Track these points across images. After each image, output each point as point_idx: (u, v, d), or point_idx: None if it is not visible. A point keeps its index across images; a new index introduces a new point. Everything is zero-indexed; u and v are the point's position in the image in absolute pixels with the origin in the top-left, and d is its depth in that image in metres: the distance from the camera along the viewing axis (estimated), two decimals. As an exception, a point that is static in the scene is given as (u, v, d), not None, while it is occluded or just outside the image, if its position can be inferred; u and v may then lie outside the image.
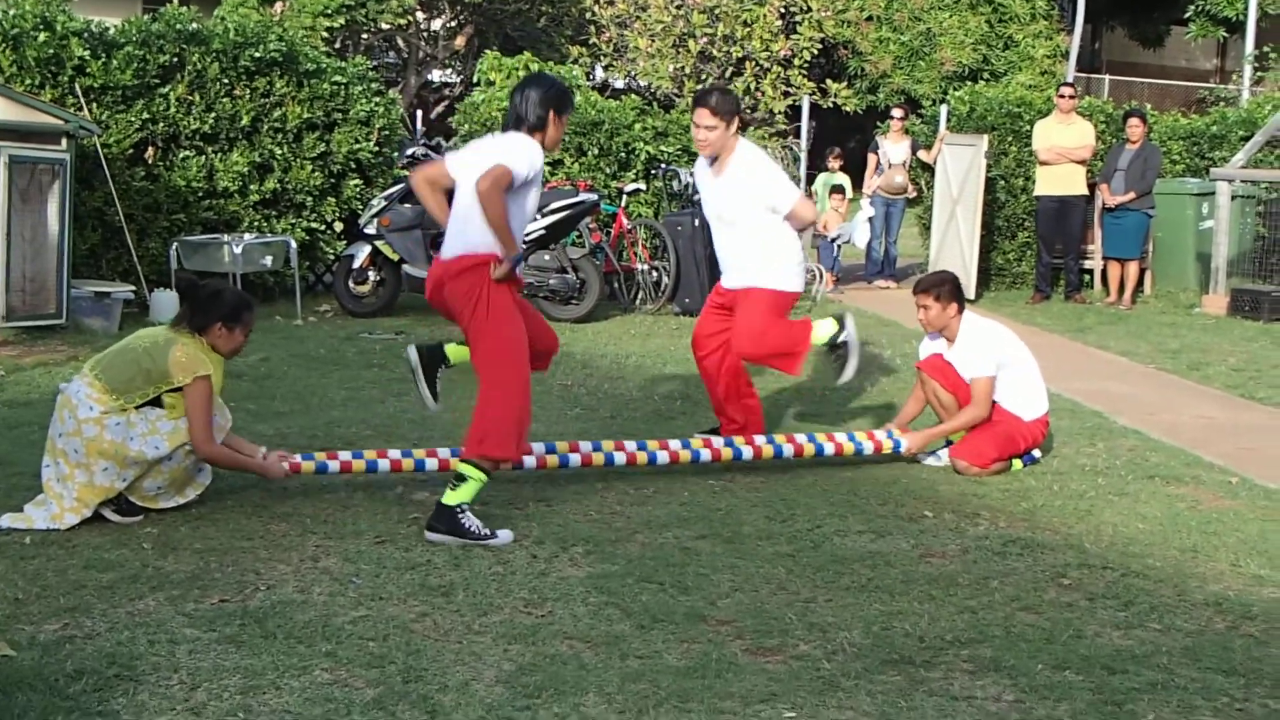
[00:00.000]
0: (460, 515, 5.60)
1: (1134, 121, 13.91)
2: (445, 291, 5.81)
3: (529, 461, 6.36)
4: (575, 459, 6.49)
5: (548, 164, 13.38)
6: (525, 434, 5.86)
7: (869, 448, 6.91)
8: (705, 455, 6.67)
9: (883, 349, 10.58)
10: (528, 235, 11.59)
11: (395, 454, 6.35)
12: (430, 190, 5.98)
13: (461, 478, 5.65)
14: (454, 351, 6.34)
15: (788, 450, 6.81)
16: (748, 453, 6.74)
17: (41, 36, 10.81)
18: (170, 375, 5.65)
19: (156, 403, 5.69)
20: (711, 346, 7.22)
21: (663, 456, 6.62)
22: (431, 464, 6.29)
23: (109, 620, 4.60)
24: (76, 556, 5.24)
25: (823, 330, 7.08)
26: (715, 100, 6.90)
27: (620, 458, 6.54)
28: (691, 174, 13.18)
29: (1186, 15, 27.79)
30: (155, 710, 3.94)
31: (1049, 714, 4.10)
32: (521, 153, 5.76)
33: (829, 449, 6.85)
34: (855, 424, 7.77)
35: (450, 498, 5.62)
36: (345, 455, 6.28)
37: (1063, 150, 13.75)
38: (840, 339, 7.08)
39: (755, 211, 6.95)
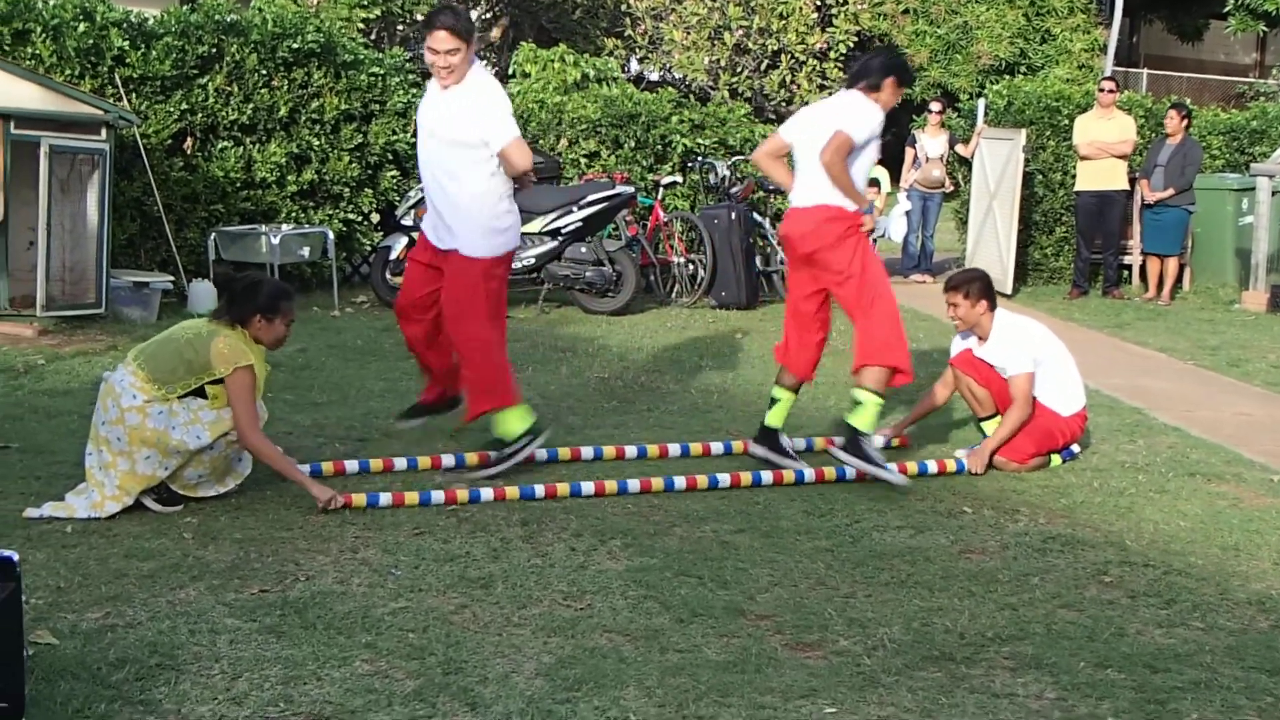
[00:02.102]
0: (865, 442, 6.38)
1: (1170, 114, 13.82)
2: (808, 234, 6.52)
3: (587, 488, 6.22)
4: (633, 484, 6.28)
5: (584, 156, 13.42)
6: (906, 356, 6.56)
7: (933, 469, 6.80)
8: (767, 478, 6.50)
9: (920, 343, 10.55)
10: (564, 228, 11.62)
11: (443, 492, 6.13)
12: (773, 162, 6.80)
13: (859, 403, 6.43)
14: (774, 418, 6.88)
15: (850, 474, 6.58)
16: (810, 475, 6.57)
17: (81, 27, 10.85)
18: (212, 366, 5.67)
19: (199, 393, 5.71)
20: (425, 318, 6.70)
21: (724, 479, 6.42)
22: (486, 494, 6.09)
23: (150, 609, 4.62)
24: (117, 545, 5.27)
25: (514, 421, 6.49)
26: (455, 21, 6.23)
27: (680, 482, 6.34)
28: (729, 166, 13.21)
29: (1226, 9, 27.60)
30: (197, 700, 3.95)
31: (1091, 712, 4.08)
32: (860, 118, 6.48)
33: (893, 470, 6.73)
34: (888, 418, 7.70)
35: (856, 420, 6.43)
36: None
37: (1103, 145, 13.67)
38: (514, 448, 6.45)
39: (473, 145, 6.30)
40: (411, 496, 5.99)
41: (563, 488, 6.19)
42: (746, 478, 6.46)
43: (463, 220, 6.44)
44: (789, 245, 6.72)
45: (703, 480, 6.39)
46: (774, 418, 6.86)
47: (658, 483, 6.32)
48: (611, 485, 6.25)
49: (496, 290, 6.56)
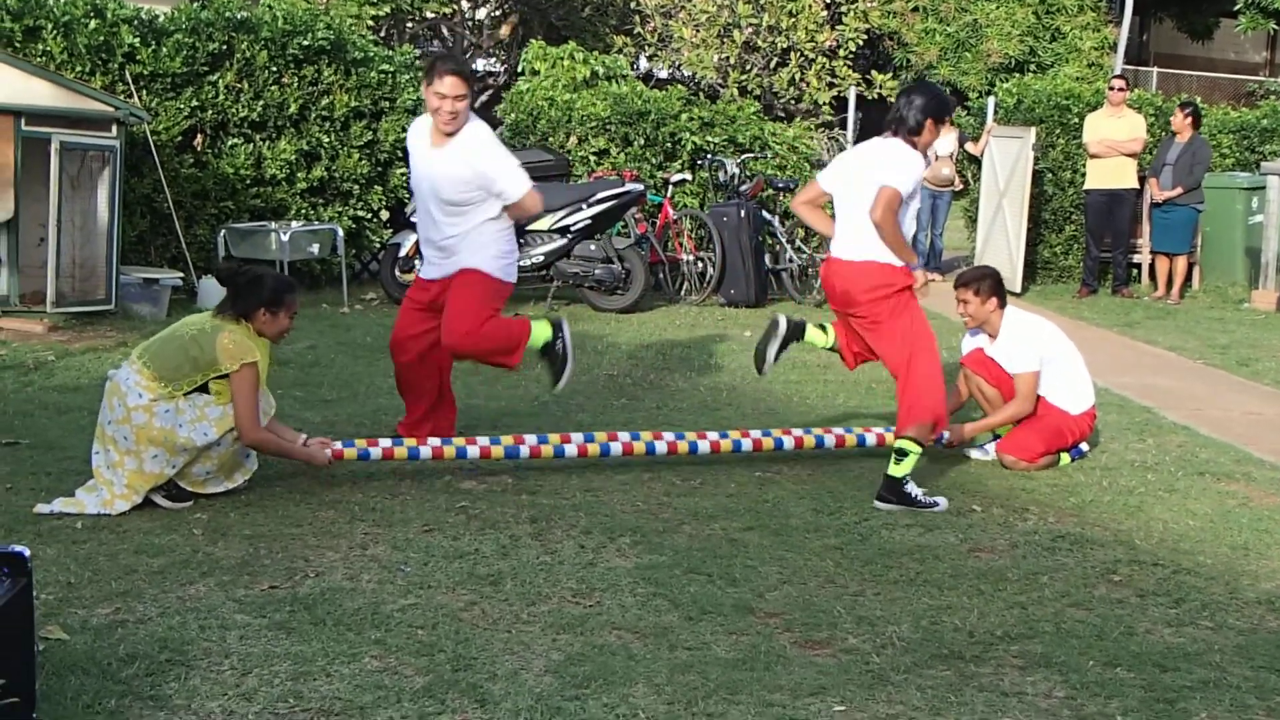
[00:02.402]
0: (905, 485, 6.14)
1: (1175, 113, 13.80)
2: (853, 290, 6.28)
3: (570, 450, 6.41)
4: (616, 447, 6.48)
5: (593, 153, 13.41)
6: (945, 408, 6.37)
7: None
8: (746, 445, 6.62)
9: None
10: (573, 225, 11.62)
11: (435, 441, 6.39)
12: (813, 211, 6.62)
13: (902, 453, 6.15)
14: (812, 336, 6.75)
15: (829, 441, 6.77)
16: (789, 443, 6.68)
17: (92, 24, 10.87)
18: (218, 362, 5.68)
19: (204, 389, 5.72)
20: (418, 348, 6.71)
21: (704, 446, 6.59)
22: (473, 451, 6.31)
23: (160, 605, 4.63)
24: (127, 541, 5.28)
25: (539, 333, 6.71)
26: (462, 67, 6.39)
27: (661, 446, 6.52)
28: (738, 164, 13.20)
29: (1236, 7, 27.52)
30: (207, 695, 3.96)
31: (1100, 711, 4.08)
32: (905, 170, 6.17)
33: (870, 440, 6.82)
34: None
35: (895, 470, 6.15)
36: (386, 442, 6.30)
37: (1113, 143, 13.65)
38: (556, 345, 6.75)
39: (477, 194, 6.44)
40: (401, 452, 6.17)
41: (547, 450, 6.37)
42: (726, 445, 6.58)
43: (471, 246, 6.50)
44: (831, 296, 6.51)
45: (683, 446, 6.54)
46: (813, 332, 6.78)
47: (639, 447, 6.50)
48: (594, 449, 6.43)
49: (497, 314, 6.60)
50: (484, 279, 6.52)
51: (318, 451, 6.04)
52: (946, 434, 6.90)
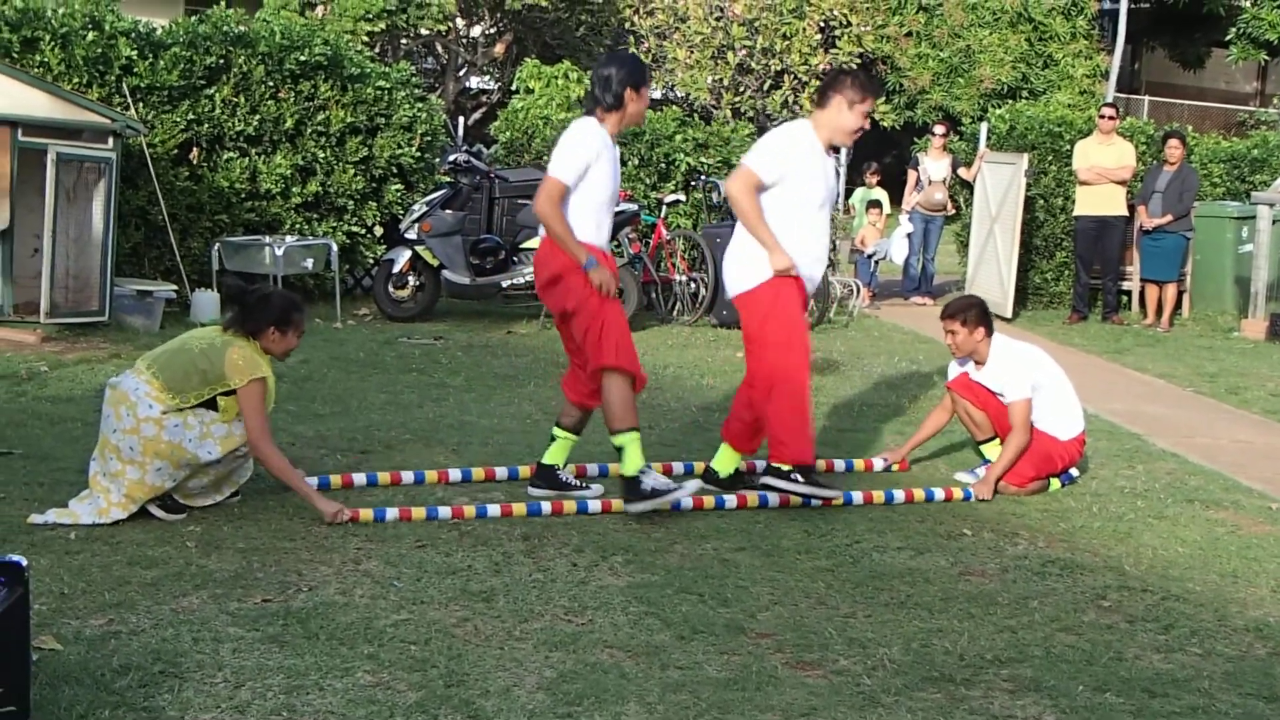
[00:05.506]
0: (643, 478, 6.14)
1: (1173, 142, 13.87)
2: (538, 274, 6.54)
3: (595, 506, 6.24)
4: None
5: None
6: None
7: (940, 497, 6.73)
8: (772, 500, 6.47)
9: (920, 366, 10.58)
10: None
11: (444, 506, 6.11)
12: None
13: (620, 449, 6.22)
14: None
15: (857, 498, 6.59)
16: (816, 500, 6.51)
17: (90, 36, 10.90)
18: (226, 377, 5.69)
19: (210, 403, 5.72)
20: None
21: (730, 501, 6.43)
22: (494, 510, 6.08)
23: (154, 617, 4.64)
24: (121, 553, 5.29)
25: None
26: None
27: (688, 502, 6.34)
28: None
29: (1228, 38, 27.71)
30: (200, 707, 3.97)
31: (1089, 735, 4.11)
32: (567, 151, 6.33)
33: (899, 497, 6.68)
34: (889, 439, 7.74)
35: (628, 468, 6.18)
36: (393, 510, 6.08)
37: (1103, 170, 13.73)
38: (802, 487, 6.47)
39: None
40: (419, 512, 5.97)
41: (569, 505, 6.21)
42: (753, 498, 6.47)
43: None
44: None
45: (709, 501, 6.40)
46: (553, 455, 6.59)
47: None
48: (618, 504, 6.26)
49: None
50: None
51: (328, 502, 5.88)
52: (974, 491, 6.80)
